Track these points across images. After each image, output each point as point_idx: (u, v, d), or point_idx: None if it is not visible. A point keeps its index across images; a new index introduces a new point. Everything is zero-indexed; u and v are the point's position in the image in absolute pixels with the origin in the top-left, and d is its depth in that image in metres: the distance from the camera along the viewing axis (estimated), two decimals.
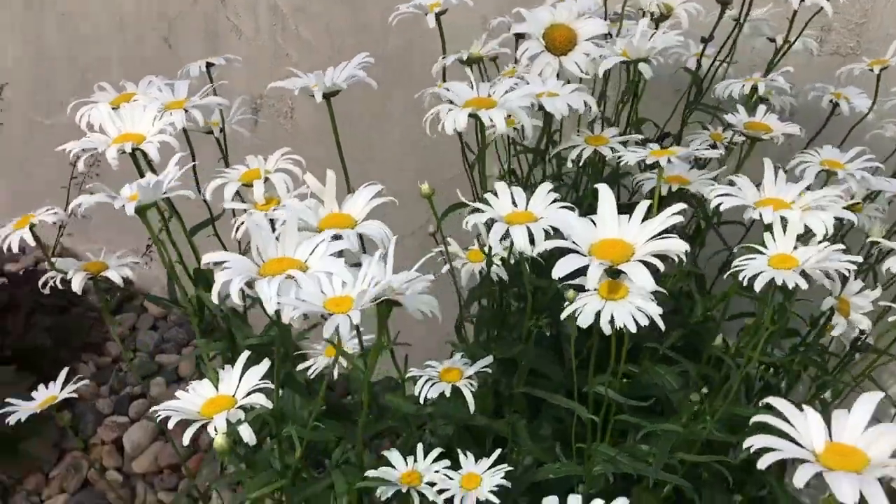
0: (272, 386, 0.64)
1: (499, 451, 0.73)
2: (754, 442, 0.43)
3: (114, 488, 1.39)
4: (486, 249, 0.83)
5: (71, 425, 1.50)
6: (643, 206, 0.59)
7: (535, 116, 0.80)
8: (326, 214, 0.65)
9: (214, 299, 0.51)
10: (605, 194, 0.58)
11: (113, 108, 0.76)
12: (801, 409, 0.46)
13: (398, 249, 0.58)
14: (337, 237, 0.58)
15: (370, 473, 0.73)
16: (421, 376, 0.77)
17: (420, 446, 0.75)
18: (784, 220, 0.64)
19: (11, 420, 0.86)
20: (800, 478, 0.41)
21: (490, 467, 0.73)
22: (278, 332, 0.95)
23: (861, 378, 0.89)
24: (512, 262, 0.85)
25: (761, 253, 0.63)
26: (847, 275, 0.76)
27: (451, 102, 0.70)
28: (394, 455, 0.75)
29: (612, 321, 0.59)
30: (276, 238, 0.57)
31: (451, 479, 0.72)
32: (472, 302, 0.90)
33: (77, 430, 1.50)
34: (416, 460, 0.75)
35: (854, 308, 0.79)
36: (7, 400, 0.88)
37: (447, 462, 0.74)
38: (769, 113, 0.82)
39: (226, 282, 0.50)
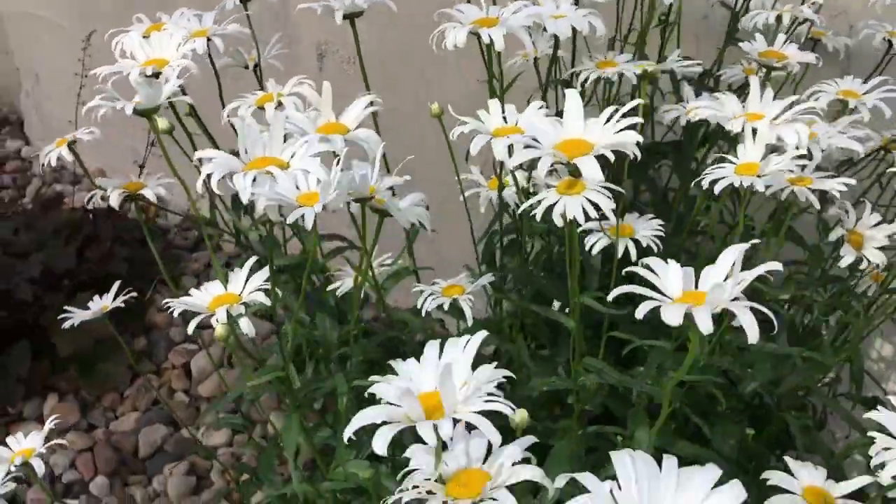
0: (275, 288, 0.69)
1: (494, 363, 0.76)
2: (618, 290, 0.46)
3: (176, 410, 1.49)
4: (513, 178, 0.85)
5: (145, 350, 1.62)
6: (610, 109, 0.60)
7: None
8: (323, 123, 0.69)
9: (198, 189, 0.56)
10: (572, 97, 0.60)
11: (146, 37, 0.82)
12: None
13: None
14: (325, 140, 0.62)
15: (372, 378, 0.77)
16: (424, 290, 0.80)
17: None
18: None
19: (66, 325, 0.94)
20: (639, 310, 0.43)
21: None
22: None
23: (883, 320, 0.87)
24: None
25: (731, 163, 0.64)
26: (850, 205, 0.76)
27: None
28: (399, 364, 0.79)
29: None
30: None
31: None
32: (492, 229, 0.92)
33: (150, 355, 1.61)
34: None
35: (868, 242, 0.78)
36: (65, 307, 0.97)
37: None
38: (790, 43, 0.80)
39: (209, 174, 0.55)
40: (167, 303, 0.69)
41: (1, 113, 2.44)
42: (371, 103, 0.69)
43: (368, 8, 0.84)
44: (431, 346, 0.49)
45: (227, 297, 0.69)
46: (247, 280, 0.70)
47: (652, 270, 0.49)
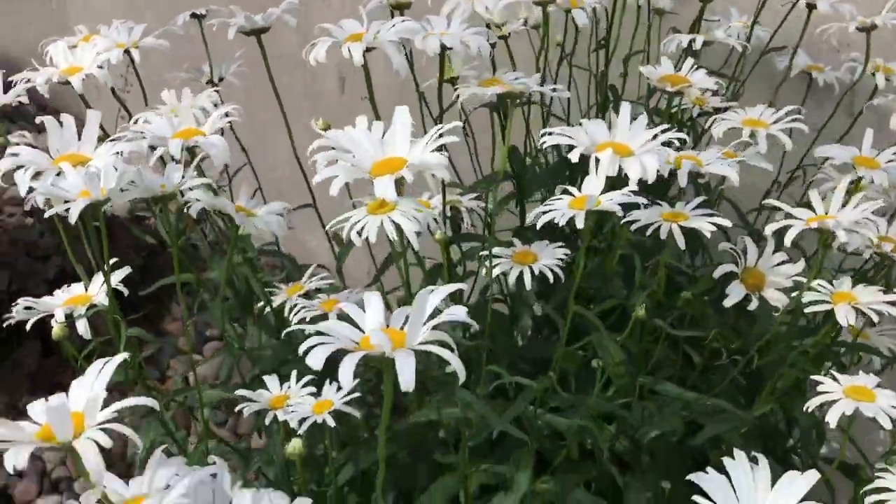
0: (123, 290, 0.70)
1: (357, 380, 0.74)
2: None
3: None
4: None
5: (152, 356, 1.67)
6: (436, 128, 0.57)
7: None
8: (180, 129, 0.69)
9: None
10: (401, 116, 0.58)
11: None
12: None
13: None
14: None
15: (239, 392, 0.77)
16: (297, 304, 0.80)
17: (294, 373, 0.78)
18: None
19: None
20: None
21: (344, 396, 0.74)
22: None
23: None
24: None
25: (571, 195, 0.60)
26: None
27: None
28: (271, 379, 0.78)
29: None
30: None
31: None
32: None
33: (157, 362, 1.66)
34: (290, 387, 0.78)
35: (770, 283, 0.72)
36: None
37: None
38: (698, 68, 0.75)
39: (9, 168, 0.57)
40: (17, 302, 0.71)
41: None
42: (227, 114, 0.69)
43: None
44: None
45: (78, 298, 0.71)
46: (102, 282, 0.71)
47: None
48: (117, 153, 0.59)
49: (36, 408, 0.42)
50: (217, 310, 0.97)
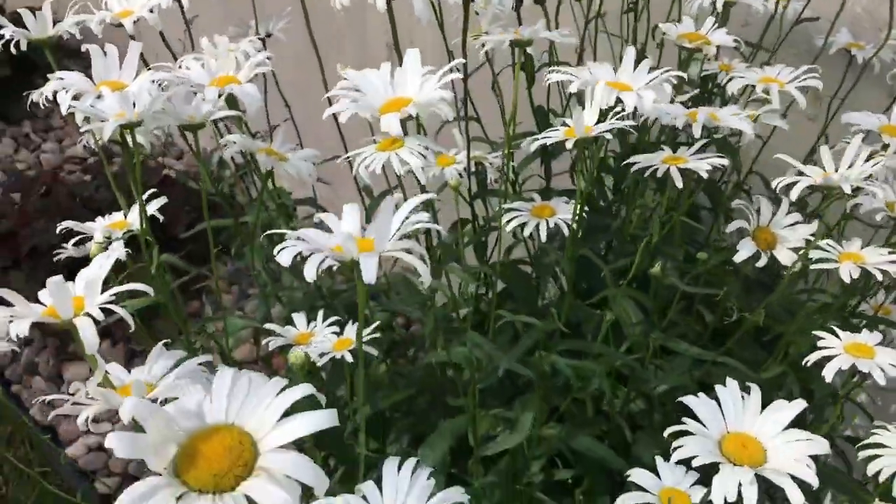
0: (159, 217, 0.74)
1: (377, 322, 0.77)
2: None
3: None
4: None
5: (197, 312, 1.73)
6: (445, 68, 0.60)
7: None
8: (218, 76, 0.73)
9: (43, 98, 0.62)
10: (412, 58, 0.61)
11: None
12: None
13: None
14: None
15: (267, 325, 0.81)
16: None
17: (321, 312, 0.81)
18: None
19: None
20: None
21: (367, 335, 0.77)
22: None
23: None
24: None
25: (568, 126, 0.62)
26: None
27: None
28: (298, 316, 0.82)
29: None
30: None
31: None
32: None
33: (200, 317, 1.72)
34: (316, 325, 0.81)
35: (782, 241, 0.73)
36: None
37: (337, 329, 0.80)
38: (718, 28, 0.76)
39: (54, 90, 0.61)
40: (62, 224, 0.76)
41: None
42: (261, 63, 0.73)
43: None
44: None
45: (117, 223, 0.76)
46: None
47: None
48: (154, 81, 0.63)
49: (44, 293, 0.46)
50: (251, 253, 1.02)
